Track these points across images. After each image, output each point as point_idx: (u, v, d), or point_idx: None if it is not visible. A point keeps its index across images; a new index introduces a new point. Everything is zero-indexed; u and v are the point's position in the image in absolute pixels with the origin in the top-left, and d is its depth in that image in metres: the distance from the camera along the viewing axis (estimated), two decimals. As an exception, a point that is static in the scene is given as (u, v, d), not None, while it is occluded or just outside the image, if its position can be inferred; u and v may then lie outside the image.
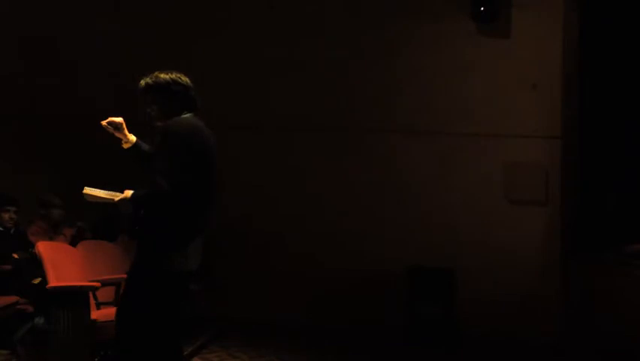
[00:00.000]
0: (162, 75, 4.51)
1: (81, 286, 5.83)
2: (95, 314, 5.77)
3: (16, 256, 6.81)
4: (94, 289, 5.82)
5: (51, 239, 7.11)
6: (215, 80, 7.88)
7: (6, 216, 7.08)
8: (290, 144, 8.15)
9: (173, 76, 4.51)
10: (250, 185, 8.14)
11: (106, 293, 6.00)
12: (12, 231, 7.12)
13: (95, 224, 7.60)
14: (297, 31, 8.00)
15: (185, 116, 4.46)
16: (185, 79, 4.54)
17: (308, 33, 7.97)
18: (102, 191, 4.44)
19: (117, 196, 4.40)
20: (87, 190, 4.44)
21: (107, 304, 5.96)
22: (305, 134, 8.10)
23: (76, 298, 5.71)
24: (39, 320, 6.29)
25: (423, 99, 7.82)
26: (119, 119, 4.56)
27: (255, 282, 8.06)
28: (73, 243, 7.07)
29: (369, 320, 7.70)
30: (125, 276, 4.78)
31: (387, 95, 7.91)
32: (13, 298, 6.62)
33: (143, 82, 4.53)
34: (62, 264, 6.22)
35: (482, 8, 7.41)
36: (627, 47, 7.57)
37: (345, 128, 8.02)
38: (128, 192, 4.37)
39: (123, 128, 4.57)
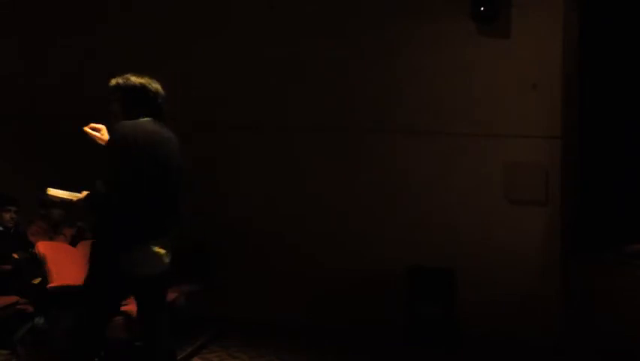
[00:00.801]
0: (133, 78, 4.52)
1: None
2: (95, 314, 5.75)
3: (16, 256, 6.82)
4: (94, 289, 5.81)
5: (51, 239, 7.11)
6: (215, 80, 7.89)
7: (6, 216, 7.09)
8: (290, 144, 8.14)
9: (144, 80, 4.52)
10: (250, 185, 8.14)
11: (106, 293, 5.98)
12: (12, 231, 7.12)
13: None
14: (297, 31, 7.99)
15: (140, 120, 4.44)
16: (155, 85, 4.54)
17: (308, 33, 7.96)
18: (64, 192, 4.59)
19: (76, 197, 4.50)
20: (50, 191, 4.62)
21: (107, 304, 5.94)
22: (305, 135, 8.08)
23: (76, 298, 5.70)
24: (39, 320, 6.30)
25: (423, 99, 7.81)
26: (100, 126, 4.64)
27: (255, 282, 8.06)
28: (73, 243, 7.08)
29: (369, 320, 7.70)
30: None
31: (387, 95, 7.90)
32: (13, 298, 6.63)
33: (114, 81, 4.55)
34: (62, 264, 6.23)
35: (482, 8, 7.40)
36: (627, 47, 7.56)
37: (345, 128, 8.01)
38: (85, 193, 4.46)
39: (104, 135, 4.61)
